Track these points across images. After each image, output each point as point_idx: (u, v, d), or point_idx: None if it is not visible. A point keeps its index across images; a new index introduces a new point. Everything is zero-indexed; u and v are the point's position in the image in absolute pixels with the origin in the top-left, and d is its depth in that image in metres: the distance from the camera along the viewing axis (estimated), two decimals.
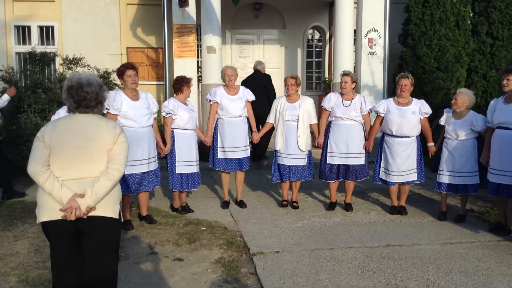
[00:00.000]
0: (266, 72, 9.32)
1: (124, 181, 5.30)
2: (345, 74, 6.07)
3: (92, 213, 2.78)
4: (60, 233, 2.82)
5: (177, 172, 5.80)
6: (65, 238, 2.84)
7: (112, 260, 2.98)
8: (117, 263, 3.08)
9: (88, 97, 2.83)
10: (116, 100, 5.17)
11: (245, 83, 9.15)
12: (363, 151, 6.03)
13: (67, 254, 2.88)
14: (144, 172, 5.37)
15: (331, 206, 6.23)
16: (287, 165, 6.12)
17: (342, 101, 5.99)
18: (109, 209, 2.87)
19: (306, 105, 6.10)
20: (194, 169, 5.92)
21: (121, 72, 5.28)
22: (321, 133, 6.12)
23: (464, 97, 5.64)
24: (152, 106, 5.44)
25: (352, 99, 6.00)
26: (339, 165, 6.04)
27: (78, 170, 2.79)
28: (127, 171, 5.25)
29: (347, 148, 5.94)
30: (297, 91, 6.17)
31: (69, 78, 2.90)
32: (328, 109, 6.06)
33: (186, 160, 5.82)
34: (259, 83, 8.79)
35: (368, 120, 6.11)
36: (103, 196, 2.79)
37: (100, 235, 2.86)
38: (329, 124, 6.12)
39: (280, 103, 6.17)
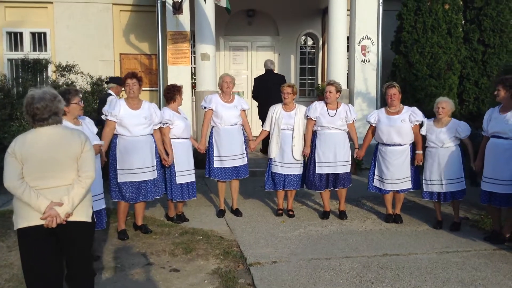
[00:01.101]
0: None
1: (119, 189, 5.28)
2: (329, 83, 6.08)
3: (69, 219, 3.04)
4: (37, 237, 3.01)
5: (177, 182, 5.76)
6: (41, 242, 3.03)
7: (88, 257, 3.28)
8: (93, 259, 3.58)
9: (38, 112, 3.00)
10: (116, 107, 5.24)
11: (259, 80, 9.41)
12: (350, 159, 6.04)
13: (41, 258, 3.04)
14: (141, 182, 5.33)
15: (324, 215, 6.22)
16: (281, 174, 6.11)
17: (328, 111, 5.99)
18: (83, 214, 3.13)
19: (302, 114, 6.10)
20: (193, 177, 5.92)
21: (123, 81, 5.38)
22: (307, 142, 6.10)
23: (449, 105, 5.72)
24: (154, 117, 5.41)
25: (337, 108, 6.01)
26: (327, 174, 6.03)
27: (51, 179, 3.02)
28: (121, 179, 5.25)
29: (335, 157, 5.95)
30: (294, 99, 6.16)
31: (27, 95, 3.08)
32: (313, 119, 6.05)
33: (186, 170, 5.80)
34: (272, 82, 8.85)
35: (353, 129, 6.14)
36: (79, 202, 3.05)
37: (76, 238, 3.12)
38: (314, 134, 6.11)
39: (276, 111, 6.16)
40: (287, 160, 6.08)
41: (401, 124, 5.76)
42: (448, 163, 5.62)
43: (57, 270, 3.15)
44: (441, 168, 5.65)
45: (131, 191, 5.31)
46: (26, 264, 3.08)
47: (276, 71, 12.21)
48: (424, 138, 5.87)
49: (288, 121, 6.07)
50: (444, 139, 5.61)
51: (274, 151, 6.13)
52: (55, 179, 3.03)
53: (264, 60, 10.54)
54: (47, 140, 3.04)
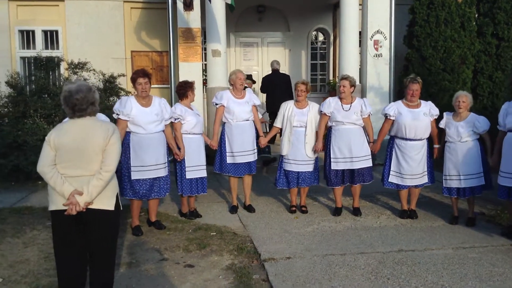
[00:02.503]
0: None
1: (131, 186, 5.29)
2: (343, 78, 6.02)
3: (90, 206, 3.23)
4: (64, 220, 3.24)
5: (187, 177, 5.77)
6: (68, 224, 3.26)
7: (110, 243, 3.41)
8: (115, 246, 3.52)
9: (77, 103, 3.23)
10: (127, 106, 5.21)
11: (267, 79, 9.90)
12: (368, 153, 5.97)
13: (69, 237, 3.28)
14: (154, 179, 5.34)
15: (336, 211, 6.16)
16: (295, 171, 6.08)
17: (342, 106, 5.93)
18: (105, 202, 3.29)
19: (315, 111, 6.06)
20: (204, 173, 5.91)
21: (133, 79, 5.33)
22: (320, 138, 6.05)
23: (469, 99, 5.67)
24: (164, 113, 5.41)
25: (351, 102, 5.95)
26: (343, 170, 5.99)
27: (77, 169, 3.23)
28: (134, 177, 5.25)
29: (351, 152, 5.88)
30: (306, 97, 6.13)
31: (63, 89, 3.31)
32: (327, 114, 5.99)
33: (196, 165, 5.80)
34: (281, 81, 9.40)
35: (369, 123, 6.07)
36: (98, 193, 3.21)
37: (98, 224, 3.30)
38: (329, 130, 6.06)
39: (288, 108, 6.12)
40: (300, 157, 6.04)
41: (424, 118, 5.70)
42: (467, 158, 5.54)
43: (81, 253, 3.34)
44: (459, 163, 5.57)
45: (144, 188, 5.32)
46: (55, 242, 3.32)
47: (287, 67, 12.31)
48: (441, 132, 5.82)
49: (300, 118, 6.03)
50: (462, 133, 5.54)
51: (286, 148, 6.10)
52: (81, 169, 3.23)
53: (274, 57, 10.65)
54: (78, 131, 3.26)
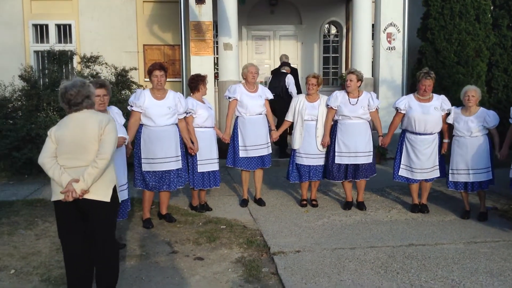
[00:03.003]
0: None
1: (143, 177, 5.36)
2: (350, 72, 5.99)
3: (86, 196, 3.36)
4: (65, 208, 3.42)
5: (198, 171, 5.79)
6: (69, 213, 3.45)
7: (108, 234, 3.53)
8: (113, 237, 3.67)
9: (72, 98, 3.38)
10: (140, 98, 5.29)
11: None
12: (372, 149, 5.94)
13: (71, 225, 3.48)
14: (164, 171, 5.36)
15: (347, 205, 6.13)
16: (307, 165, 6.06)
17: (349, 99, 5.89)
18: (100, 193, 3.42)
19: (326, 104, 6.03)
20: (216, 166, 5.92)
21: (149, 71, 5.38)
22: (326, 132, 6.01)
23: (478, 93, 5.60)
24: (179, 106, 5.43)
25: (358, 96, 5.90)
26: (347, 164, 5.95)
27: (75, 160, 3.38)
28: (144, 168, 5.31)
29: (356, 147, 5.84)
30: (318, 90, 6.09)
31: (60, 87, 3.48)
32: (334, 108, 5.95)
33: (207, 158, 5.82)
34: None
35: (377, 117, 6.02)
36: (93, 181, 3.34)
37: (94, 214, 3.45)
38: (335, 123, 6.02)
39: (299, 102, 6.09)
40: (312, 151, 6.02)
41: (434, 112, 5.64)
42: (476, 152, 5.48)
43: (85, 242, 3.49)
44: (468, 158, 5.52)
45: (154, 180, 5.36)
46: (59, 231, 3.55)
47: (299, 60, 12.29)
48: (450, 127, 5.75)
49: (311, 112, 6.01)
50: (472, 128, 5.48)
51: (297, 142, 6.08)
52: (78, 160, 3.38)
53: (286, 50, 10.63)
54: (75, 124, 3.41)
